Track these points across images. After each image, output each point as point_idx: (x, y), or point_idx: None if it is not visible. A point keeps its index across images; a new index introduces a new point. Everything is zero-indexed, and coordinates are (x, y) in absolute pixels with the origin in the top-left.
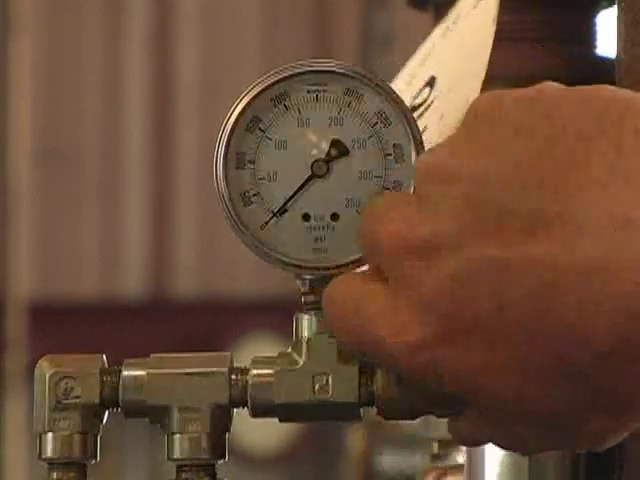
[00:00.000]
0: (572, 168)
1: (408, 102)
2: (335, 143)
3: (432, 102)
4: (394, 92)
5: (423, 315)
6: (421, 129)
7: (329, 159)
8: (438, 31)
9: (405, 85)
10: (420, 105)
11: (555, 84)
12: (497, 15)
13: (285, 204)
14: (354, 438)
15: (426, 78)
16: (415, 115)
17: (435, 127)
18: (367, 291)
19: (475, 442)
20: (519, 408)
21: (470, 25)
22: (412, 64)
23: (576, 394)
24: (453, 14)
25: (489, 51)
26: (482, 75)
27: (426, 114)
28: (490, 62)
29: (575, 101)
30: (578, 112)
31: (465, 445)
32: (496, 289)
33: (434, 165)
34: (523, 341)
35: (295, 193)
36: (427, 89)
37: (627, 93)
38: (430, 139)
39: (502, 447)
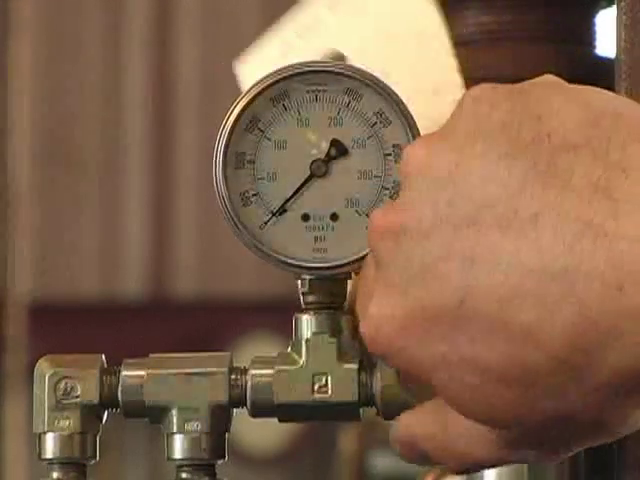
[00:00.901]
0: (554, 174)
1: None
2: (334, 143)
3: None
4: (394, 92)
5: (390, 299)
6: None
7: (328, 159)
8: (319, 1)
9: (281, 56)
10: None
11: (555, 78)
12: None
13: (284, 204)
14: (348, 438)
15: (318, 52)
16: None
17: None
18: (368, 273)
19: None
20: (474, 409)
21: (392, 6)
22: (281, 35)
23: (527, 397)
24: None
25: (444, 31)
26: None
27: None
28: (490, 62)
29: (568, 105)
30: (568, 118)
31: (402, 455)
32: (460, 282)
33: (415, 156)
34: (482, 338)
35: (295, 193)
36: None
37: (622, 105)
38: None
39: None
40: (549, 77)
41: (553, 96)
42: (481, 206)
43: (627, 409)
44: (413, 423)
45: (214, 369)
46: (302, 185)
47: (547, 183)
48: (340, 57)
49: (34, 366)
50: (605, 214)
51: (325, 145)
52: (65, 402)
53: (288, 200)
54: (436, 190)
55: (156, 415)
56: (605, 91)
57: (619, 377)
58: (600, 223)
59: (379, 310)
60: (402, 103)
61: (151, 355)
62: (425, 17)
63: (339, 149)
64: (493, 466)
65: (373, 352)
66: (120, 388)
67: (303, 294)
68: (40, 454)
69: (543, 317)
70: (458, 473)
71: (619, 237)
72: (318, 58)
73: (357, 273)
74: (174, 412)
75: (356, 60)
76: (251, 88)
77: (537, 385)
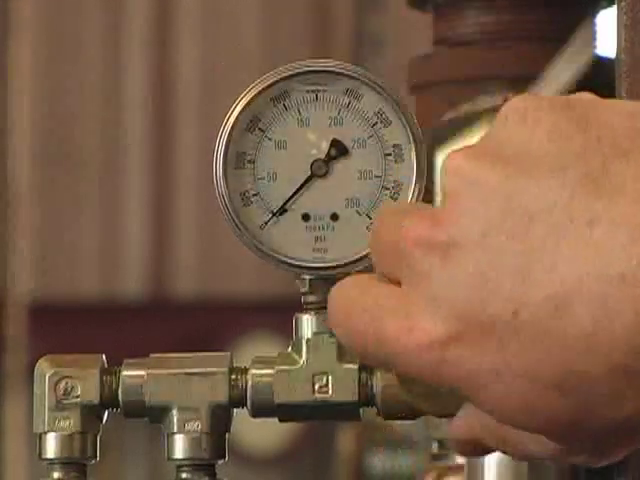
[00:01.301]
0: (606, 180)
1: None
2: (335, 143)
3: None
4: (394, 92)
5: (436, 314)
6: None
7: (329, 159)
8: None
9: None
10: None
11: (592, 94)
12: None
13: (285, 204)
14: (347, 438)
15: None
16: None
17: None
18: (377, 290)
19: (468, 442)
20: (528, 421)
21: None
22: None
23: (584, 406)
24: None
25: None
26: None
27: None
28: (490, 62)
29: (613, 115)
30: (616, 125)
31: (461, 453)
32: (513, 292)
33: (461, 168)
34: (536, 348)
35: (295, 193)
36: None
37: None
38: None
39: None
40: (586, 94)
41: (597, 106)
42: (533, 216)
43: None
44: (473, 415)
45: (214, 369)
46: (302, 185)
47: (600, 190)
48: None
49: (34, 366)
50: None
51: (325, 145)
52: (65, 402)
53: (288, 200)
54: (486, 202)
55: (156, 415)
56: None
57: None
58: None
59: (426, 325)
60: (402, 103)
61: (151, 355)
62: None
63: (339, 149)
64: (554, 462)
65: (418, 370)
66: (120, 388)
67: (303, 294)
68: (40, 454)
69: (602, 323)
70: (521, 459)
71: None
72: None
73: (357, 273)
74: (174, 412)
75: None
76: (251, 88)
77: (594, 393)
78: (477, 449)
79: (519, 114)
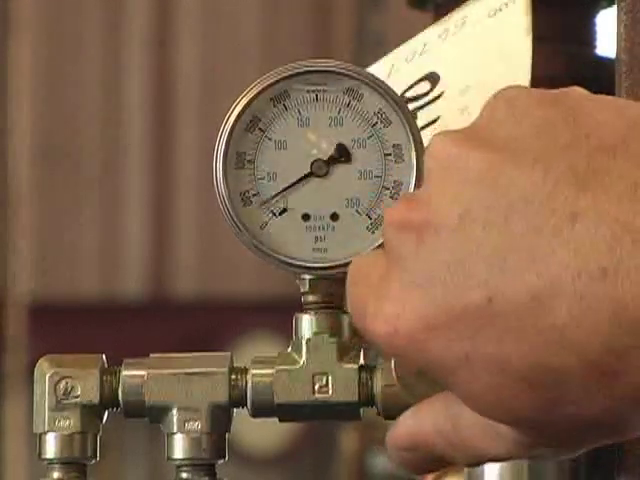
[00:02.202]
0: (591, 175)
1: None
2: (340, 147)
3: (440, 94)
4: (394, 92)
5: (409, 297)
6: (432, 118)
7: (330, 161)
8: (432, 31)
9: (385, 76)
10: (417, 97)
11: (583, 89)
12: (530, 26)
13: (275, 197)
14: (348, 438)
15: (420, 74)
16: (415, 105)
17: (455, 118)
18: (373, 261)
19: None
20: (494, 410)
21: (491, 32)
22: (391, 59)
23: (551, 401)
24: (455, 18)
25: (529, 61)
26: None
27: (436, 105)
28: None
29: (602, 111)
30: (604, 121)
31: (402, 463)
32: (489, 280)
33: (444, 151)
34: (508, 337)
35: (288, 187)
36: (425, 83)
37: None
38: (448, 126)
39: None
40: (577, 88)
41: (586, 102)
42: (513, 206)
43: None
44: (423, 419)
45: (214, 369)
46: (299, 180)
47: (585, 184)
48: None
49: (34, 366)
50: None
51: (326, 145)
52: (65, 402)
53: (278, 193)
54: (465, 188)
55: (156, 415)
56: (634, 102)
57: None
58: (638, 226)
59: (398, 308)
60: (402, 103)
61: (151, 355)
62: (518, 52)
63: (343, 153)
64: (505, 460)
65: (388, 351)
66: (120, 388)
67: (303, 294)
68: (40, 454)
69: (578, 319)
70: (468, 466)
71: None
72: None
73: None
74: (174, 412)
75: (447, 77)
76: (251, 88)
77: (563, 389)
78: (417, 458)
79: (508, 104)
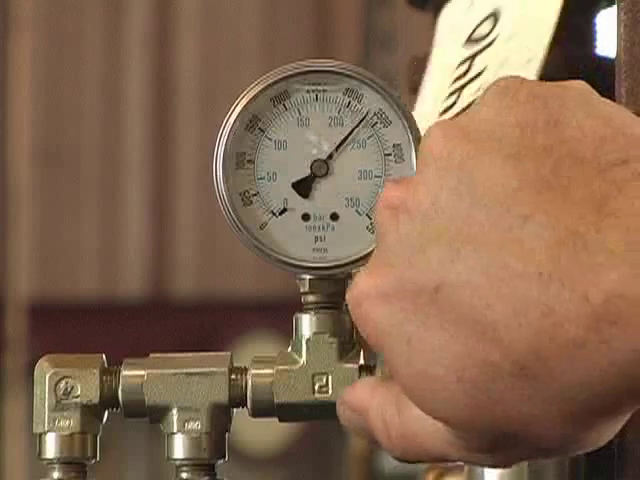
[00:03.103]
0: (554, 181)
1: (470, 30)
2: (316, 163)
3: (493, 40)
4: (394, 92)
5: (378, 272)
6: (481, 68)
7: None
8: None
9: (464, 10)
10: (479, 40)
11: (584, 86)
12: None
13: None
14: (356, 438)
15: (488, 10)
16: (476, 49)
17: (495, 71)
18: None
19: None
20: (424, 400)
21: None
22: None
23: (480, 400)
24: None
25: (554, 22)
26: (546, 42)
27: (486, 53)
28: None
29: (589, 119)
30: (587, 131)
31: (344, 420)
32: (441, 268)
33: (435, 139)
34: (448, 328)
35: (302, 181)
36: (489, 22)
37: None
38: (488, 82)
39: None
40: (579, 84)
41: (577, 107)
42: (479, 201)
43: (590, 427)
44: (376, 397)
45: (214, 369)
46: (302, 181)
47: (545, 188)
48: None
49: (34, 366)
50: (589, 225)
51: (326, 145)
52: (65, 402)
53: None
54: (443, 177)
55: (156, 415)
56: (626, 111)
57: (580, 392)
58: (583, 233)
59: (367, 281)
60: (402, 103)
61: (151, 355)
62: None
63: (321, 170)
64: (438, 462)
65: (353, 319)
66: (120, 388)
67: (303, 294)
68: (40, 454)
69: (510, 319)
70: (402, 461)
71: (597, 249)
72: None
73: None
74: (174, 412)
75: (504, 18)
76: (252, 88)
77: (491, 389)
78: (357, 425)
79: (499, 95)
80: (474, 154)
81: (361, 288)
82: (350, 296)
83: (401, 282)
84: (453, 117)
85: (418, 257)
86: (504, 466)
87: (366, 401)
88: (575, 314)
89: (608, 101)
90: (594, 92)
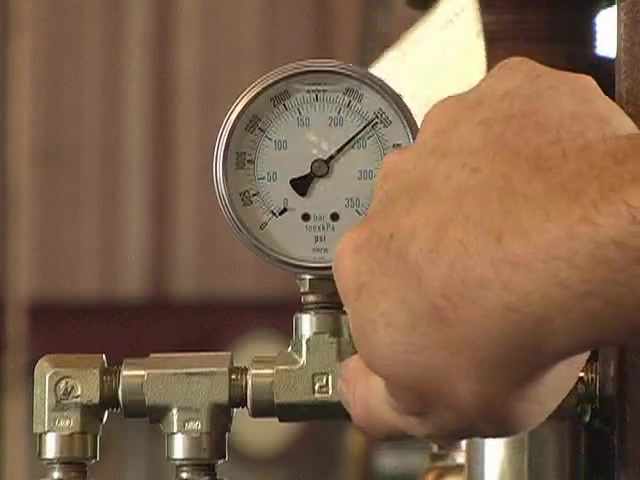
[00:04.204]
0: (514, 144)
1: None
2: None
3: None
4: (394, 92)
5: (359, 225)
6: None
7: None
8: (390, 55)
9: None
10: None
11: (591, 83)
12: (481, 30)
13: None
14: (353, 438)
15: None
16: None
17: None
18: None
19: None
20: (362, 347)
21: (445, 44)
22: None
23: (400, 345)
24: (410, 39)
25: (484, 61)
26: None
27: None
28: (490, 62)
29: (570, 97)
30: (557, 107)
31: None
32: (398, 218)
33: (437, 117)
34: (391, 275)
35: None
36: None
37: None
38: None
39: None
40: (585, 78)
41: (567, 90)
42: (444, 159)
43: (503, 392)
44: (360, 361)
45: (214, 369)
46: (305, 178)
47: (501, 148)
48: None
49: (34, 366)
50: (523, 175)
51: (326, 145)
52: (65, 402)
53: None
54: (427, 141)
55: (156, 415)
56: (618, 110)
57: (482, 337)
58: (514, 182)
59: (348, 234)
60: (402, 103)
61: (151, 355)
62: (472, 54)
63: (321, 170)
64: (392, 435)
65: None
66: (120, 388)
67: (303, 294)
68: (40, 454)
69: (431, 261)
70: (371, 438)
71: (521, 196)
72: None
73: None
74: (174, 412)
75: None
76: (252, 88)
77: (412, 335)
78: (346, 395)
79: (499, 70)
80: (458, 120)
81: (343, 241)
82: (335, 251)
83: (371, 234)
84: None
85: (387, 210)
86: (438, 441)
87: (349, 370)
88: (485, 255)
89: (608, 99)
90: (598, 89)
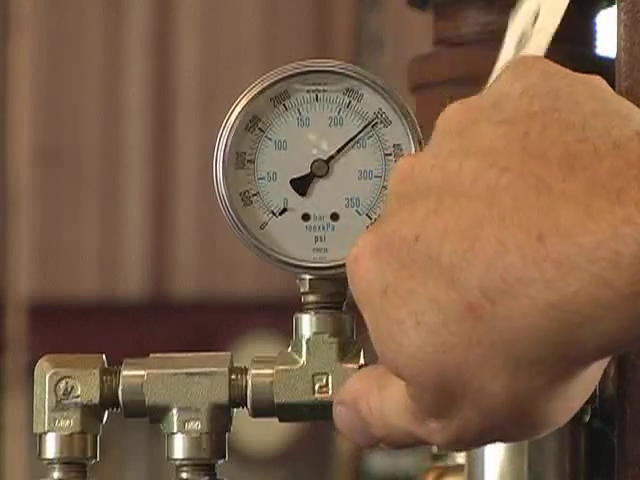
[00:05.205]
0: (539, 143)
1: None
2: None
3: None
4: (394, 92)
5: (375, 227)
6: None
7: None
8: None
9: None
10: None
11: (602, 83)
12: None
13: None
14: (344, 439)
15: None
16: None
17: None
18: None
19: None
20: (386, 348)
21: None
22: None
23: (429, 345)
24: None
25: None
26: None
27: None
28: (490, 62)
29: (588, 97)
30: (577, 105)
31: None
32: (423, 218)
33: (451, 117)
34: (417, 276)
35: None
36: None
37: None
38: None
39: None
40: (596, 78)
41: (583, 89)
42: (468, 159)
43: (535, 388)
44: (360, 379)
45: (214, 369)
46: (305, 178)
47: (528, 147)
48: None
49: (34, 366)
50: (557, 174)
51: (326, 145)
52: (65, 402)
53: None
54: (445, 142)
55: (156, 415)
56: (635, 108)
57: (520, 334)
58: (549, 181)
59: (364, 236)
60: (402, 103)
61: (151, 355)
62: None
63: (320, 170)
64: (411, 443)
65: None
66: (120, 388)
67: (303, 294)
68: (40, 454)
69: (467, 260)
70: (389, 448)
71: (559, 195)
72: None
73: None
74: (174, 412)
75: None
76: (251, 88)
77: (443, 333)
78: (347, 415)
79: (511, 69)
80: (476, 120)
81: (359, 245)
82: (349, 254)
83: (391, 236)
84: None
85: (407, 213)
86: (456, 447)
87: (354, 391)
88: (526, 253)
89: (621, 97)
90: (609, 88)
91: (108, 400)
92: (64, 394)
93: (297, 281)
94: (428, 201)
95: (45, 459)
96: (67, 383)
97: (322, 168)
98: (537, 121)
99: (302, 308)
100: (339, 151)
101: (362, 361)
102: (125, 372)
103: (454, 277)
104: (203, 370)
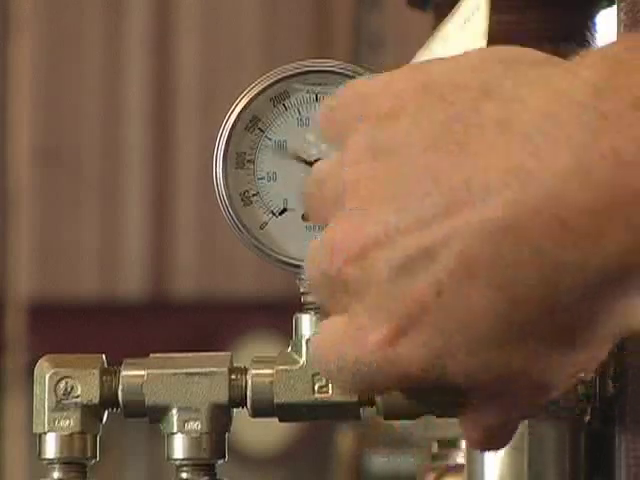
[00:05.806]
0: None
1: None
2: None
3: None
4: None
5: (375, 318)
6: None
7: None
8: (419, 54)
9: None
10: None
11: (537, 56)
12: (487, 30)
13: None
14: (345, 438)
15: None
16: None
17: None
18: (328, 327)
19: (487, 433)
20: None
21: (461, 42)
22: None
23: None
24: (437, 36)
25: None
26: None
27: None
28: None
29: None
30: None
31: (486, 447)
32: (430, 275)
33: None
34: (455, 321)
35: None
36: None
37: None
38: None
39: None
40: (532, 52)
41: (524, 63)
42: (447, 120)
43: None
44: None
45: (214, 369)
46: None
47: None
48: None
49: (34, 366)
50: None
51: (325, 145)
52: (65, 402)
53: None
54: (414, 92)
55: (156, 415)
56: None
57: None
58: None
59: (373, 337)
60: None
61: (151, 355)
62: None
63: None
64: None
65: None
66: (120, 388)
67: (303, 294)
68: (40, 454)
69: (499, 294)
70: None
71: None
72: None
73: None
74: (174, 412)
75: None
76: (251, 88)
77: (461, 299)
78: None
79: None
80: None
81: (374, 343)
82: (366, 355)
83: (403, 313)
84: None
85: (403, 280)
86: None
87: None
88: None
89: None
90: (542, 60)
91: (108, 400)
92: (64, 394)
93: (297, 281)
94: (416, 263)
95: (45, 459)
96: (67, 383)
97: None
98: (463, 93)
99: (302, 308)
100: None
101: None
102: (125, 372)
103: (492, 309)
104: (203, 370)
